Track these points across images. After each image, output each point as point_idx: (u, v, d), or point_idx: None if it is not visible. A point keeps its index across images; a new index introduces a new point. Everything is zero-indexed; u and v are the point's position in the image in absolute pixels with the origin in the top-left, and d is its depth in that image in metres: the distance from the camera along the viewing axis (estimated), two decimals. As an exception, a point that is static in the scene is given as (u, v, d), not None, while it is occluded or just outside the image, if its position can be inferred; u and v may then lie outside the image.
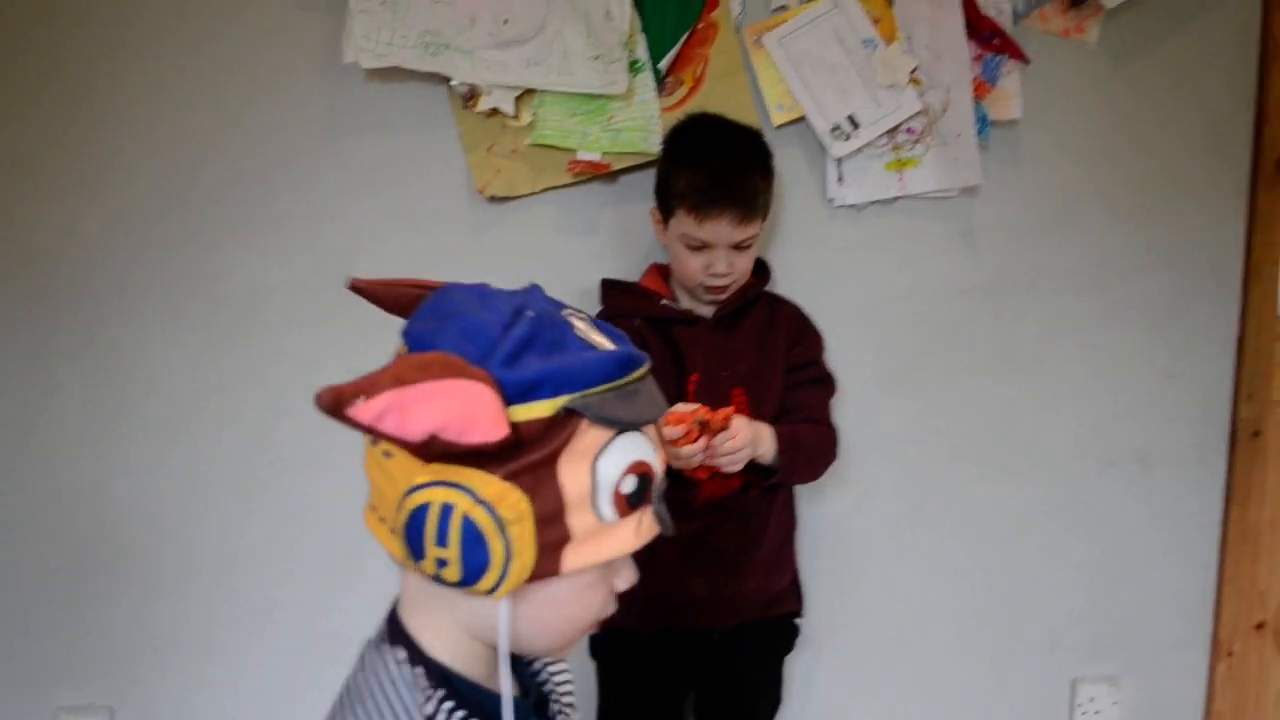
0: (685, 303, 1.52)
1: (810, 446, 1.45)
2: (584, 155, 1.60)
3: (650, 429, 0.75)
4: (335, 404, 0.63)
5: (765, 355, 1.50)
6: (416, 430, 0.65)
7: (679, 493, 1.38)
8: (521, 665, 0.86)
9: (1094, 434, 1.80)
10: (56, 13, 1.57)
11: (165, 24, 1.58)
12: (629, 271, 1.64)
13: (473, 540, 0.69)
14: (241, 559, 1.69)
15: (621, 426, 0.71)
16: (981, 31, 1.64)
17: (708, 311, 1.49)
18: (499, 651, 0.73)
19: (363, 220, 1.64)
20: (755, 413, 1.45)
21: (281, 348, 1.64)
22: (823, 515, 1.75)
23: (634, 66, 1.59)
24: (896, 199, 1.70)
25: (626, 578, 0.78)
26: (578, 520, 0.72)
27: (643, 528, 0.75)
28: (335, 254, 1.64)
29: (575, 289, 1.59)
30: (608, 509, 0.73)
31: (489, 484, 0.69)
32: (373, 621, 0.79)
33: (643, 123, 1.60)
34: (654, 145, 1.59)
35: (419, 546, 0.71)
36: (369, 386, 0.64)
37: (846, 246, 1.71)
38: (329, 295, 1.55)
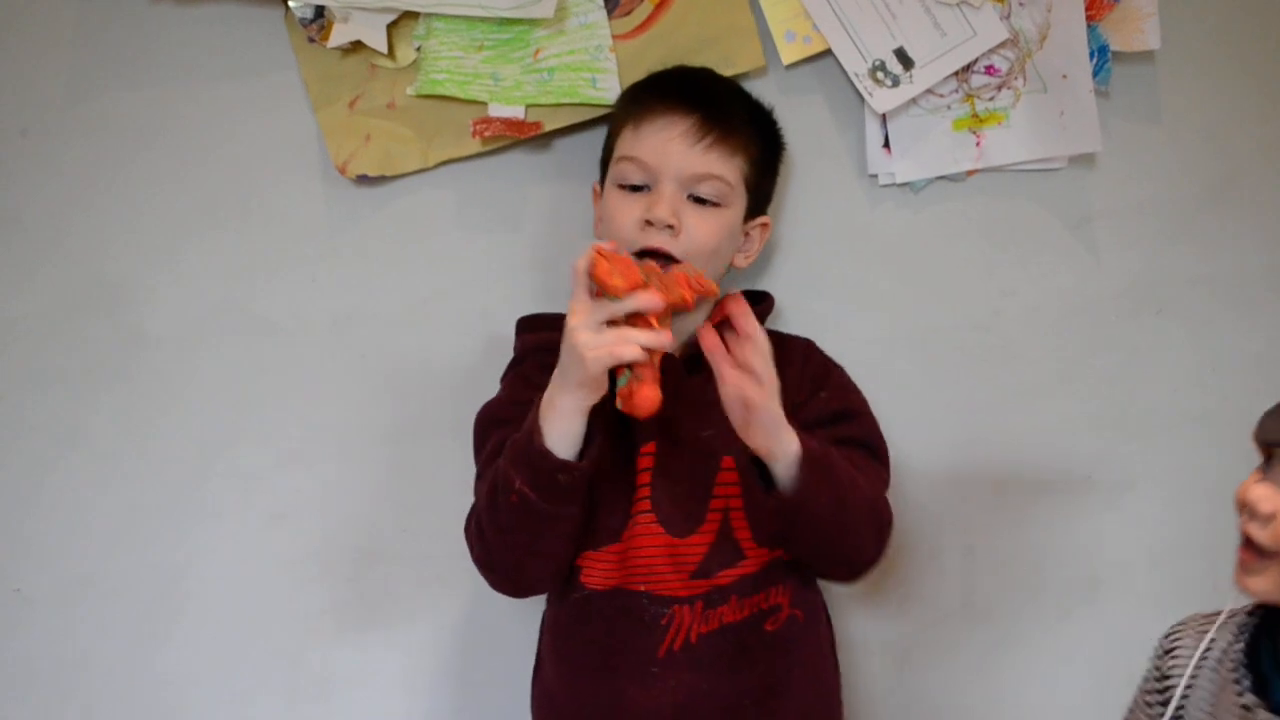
0: None
1: (844, 478, 1.15)
2: (498, 110, 1.35)
3: None
4: None
5: None
6: None
7: (640, 638, 1.15)
8: None
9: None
10: None
11: None
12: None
13: None
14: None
15: None
16: (1099, -84, 1.37)
17: (673, 347, 1.24)
18: None
19: (152, 214, 1.39)
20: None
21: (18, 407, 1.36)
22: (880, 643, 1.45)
23: (570, -27, 1.31)
24: (973, 174, 1.46)
25: None
26: None
27: None
28: (100, 268, 1.38)
29: (490, 323, 1.37)
30: None
31: None
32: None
33: (585, 58, 1.36)
34: (604, 91, 1.36)
35: None
36: None
37: (898, 246, 1.46)
38: (95, 325, 1.36)
